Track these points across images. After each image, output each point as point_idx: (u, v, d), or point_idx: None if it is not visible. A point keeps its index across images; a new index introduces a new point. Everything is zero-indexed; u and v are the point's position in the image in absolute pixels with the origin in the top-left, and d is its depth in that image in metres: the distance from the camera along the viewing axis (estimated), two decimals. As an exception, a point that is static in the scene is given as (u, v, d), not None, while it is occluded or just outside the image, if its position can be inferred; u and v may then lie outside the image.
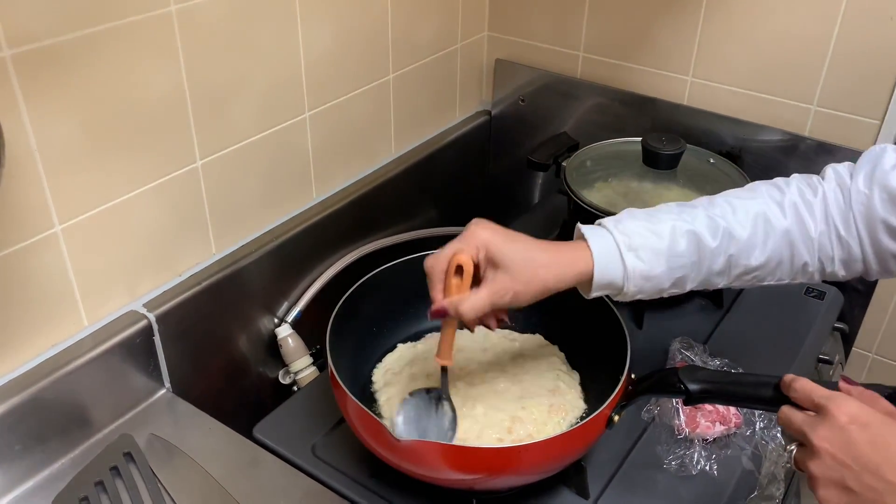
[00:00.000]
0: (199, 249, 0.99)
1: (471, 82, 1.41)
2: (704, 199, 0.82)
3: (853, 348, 1.27)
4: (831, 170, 0.82)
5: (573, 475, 0.86)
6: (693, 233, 0.77)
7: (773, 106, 1.18)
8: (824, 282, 1.18)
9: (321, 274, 1.15)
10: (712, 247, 0.78)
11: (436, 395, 0.85)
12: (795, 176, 0.83)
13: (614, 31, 1.27)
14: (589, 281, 0.77)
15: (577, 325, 0.96)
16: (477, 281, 0.77)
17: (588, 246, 0.76)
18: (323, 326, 0.86)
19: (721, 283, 0.81)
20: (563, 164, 1.16)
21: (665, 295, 0.80)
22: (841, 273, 0.82)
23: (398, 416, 0.83)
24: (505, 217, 1.39)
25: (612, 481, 0.88)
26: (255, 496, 0.82)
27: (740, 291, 1.18)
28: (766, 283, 0.83)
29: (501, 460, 0.76)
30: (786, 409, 0.67)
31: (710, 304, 1.15)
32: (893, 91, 1.08)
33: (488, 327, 0.83)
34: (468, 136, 1.41)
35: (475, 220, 0.79)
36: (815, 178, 0.83)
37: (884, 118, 1.10)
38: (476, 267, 0.76)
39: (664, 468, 0.89)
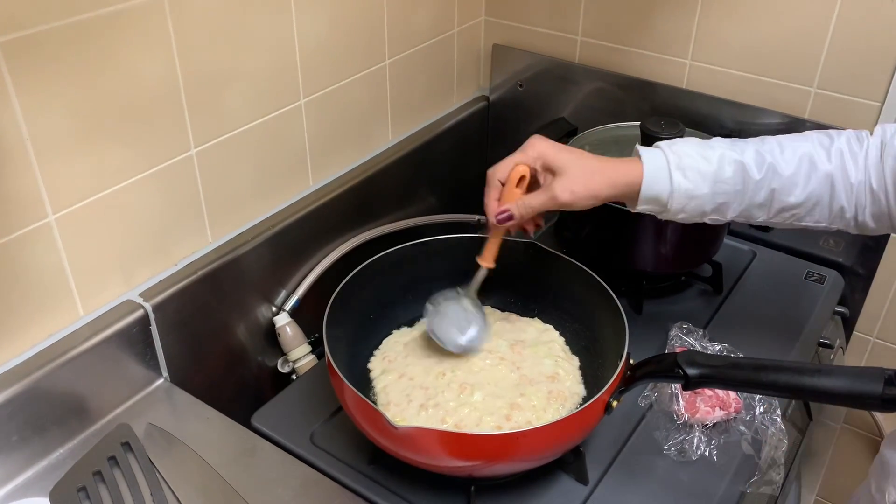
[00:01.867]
0: (195, 238, 0.98)
1: (468, 68, 1.40)
2: (757, 138, 0.86)
3: (854, 332, 1.26)
4: (879, 127, 0.85)
5: (572, 461, 0.86)
6: (740, 163, 0.82)
7: (773, 89, 1.17)
8: (829, 263, 1.18)
9: (319, 262, 1.14)
10: (756, 178, 0.82)
11: (459, 297, 0.92)
12: (849, 130, 0.87)
13: (612, 15, 1.26)
14: (637, 193, 0.82)
15: (576, 311, 0.96)
16: (530, 190, 0.86)
17: (641, 161, 0.82)
18: (321, 315, 0.86)
19: (761, 216, 0.85)
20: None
21: (707, 220, 0.85)
22: (871, 224, 0.84)
23: (428, 307, 0.91)
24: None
25: (612, 467, 0.87)
26: (254, 485, 0.82)
27: (740, 276, 1.17)
28: (804, 224, 0.86)
29: (500, 447, 0.76)
30: None
31: (709, 289, 1.14)
32: (894, 73, 1.07)
33: (527, 232, 0.91)
34: (466, 122, 1.40)
35: (533, 136, 0.87)
36: (865, 132, 0.86)
37: (884, 100, 1.09)
38: (532, 177, 0.86)
39: (664, 454, 0.89)
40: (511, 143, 1.43)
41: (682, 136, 1.09)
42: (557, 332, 0.97)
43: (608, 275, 0.92)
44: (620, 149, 1.15)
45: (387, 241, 1.22)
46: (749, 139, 0.86)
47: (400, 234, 1.26)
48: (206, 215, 0.98)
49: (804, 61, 1.13)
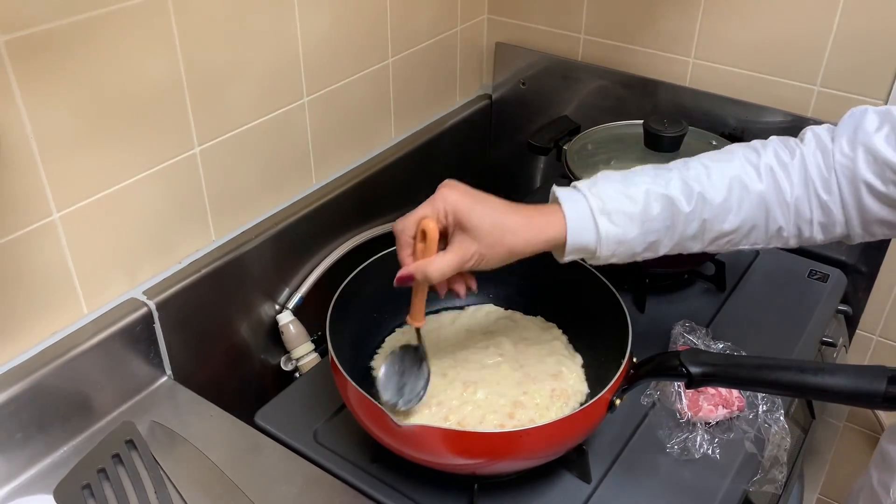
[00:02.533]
0: (198, 236, 0.99)
1: (471, 66, 1.40)
2: (680, 162, 0.81)
3: (857, 331, 1.26)
4: (811, 132, 0.81)
5: (575, 459, 0.86)
6: (667, 197, 0.77)
7: (776, 87, 1.17)
8: (832, 262, 1.18)
9: (322, 260, 1.14)
10: (686, 211, 0.77)
11: (420, 354, 0.86)
12: (773, 138, 0.82)
13: (615, 13, 1.26)
14: (562, 245, 0.76)
15: (579, 308, 0.96)
16: (445, 244, 0.77)
17: (562, 210, 0.75)
18: (324, 313, 0.86)
19: (695, 247, 0.80)
20: (565, 147, 1.15)
21: (639, 259, 0.80)
22: (819, 237, 0.81)
23: (381, 370, 0.85)
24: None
25: (614, 465, 0.87)
26: (257, 482, 0.82)
27: (743, 274, 1.17)
28: (740, 248, 0.82)
29: (502, 445, 0.76)
30: None
31: (712, 288, 1.14)
32: (898, 71, 1.07)
33: (458, 295, 0.82)
34: (469, 120, 1.40)
35: (445, 182, 0.79)
36: (792, 140, 0.82)
37: (888, 98, 1.09)
38: (444, 230, 0.77)
39: (666, 452, 0.89)
40: (514, 142, 1.45)
41: (685, 135, 1.09)
42: (560, 331, 0.97)
43: (611, 273, 0.92)
44: (623, 147, 1.15)
45: (389, 239, 1.21)
46: (672, 164, 0.81)
47: (403, 232, 1.26)
48: (209, 213, 0.99)
49: (807, 59, 1.13)
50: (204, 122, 0.93)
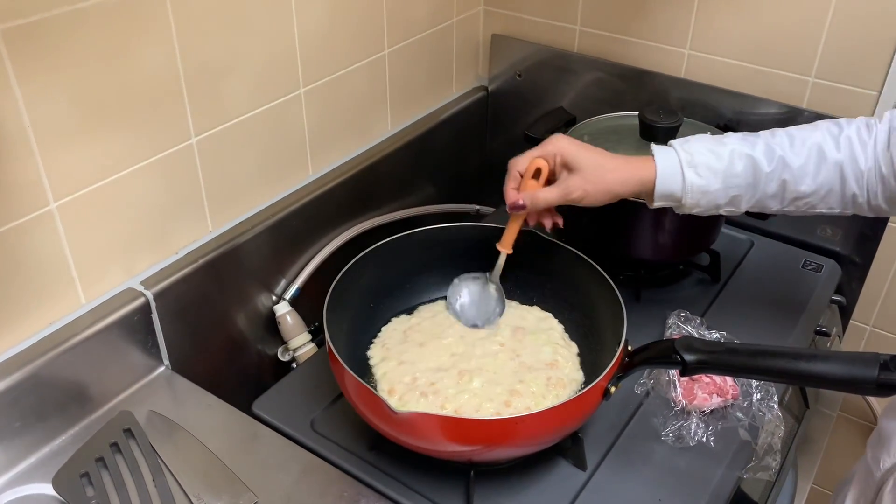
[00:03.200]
0: (195, 227, 0.99)
1: (467, 58, 1.40)
2: (769, 131, 0.89)
3: (851, 321, 1.27)
4: (889, 113, 0.87)
5: (571, 447, 0.87)
6: (750, 157, 0.85)
7: (771, 78, 1.17)
8: (826, 252, 1.18)
9: (319, 251, 1.14)
10: (766, 171, 0.85)
11: (484, 278, 0.97)
12: (860, 117, 0.89)
13: (611, 5, 1.26)
14: (651, 191, 0.86)
15: (575, 298, 0.96)
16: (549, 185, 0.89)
17: (654, 160, 0.86)
18: (321, 303, 0.87)
19: (775, 206, 0.88)
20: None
21: (722, 212, 0.89)
22: (885, 207, 0.87)
23: (451, 295, 0.97)
24: (503, 193, 1.39)
25: (610, 453, 0.88)
26: (255, 471, 0.82)
27: (738, 264, 1.18)
28: (818, 210, 0.89)
29: (498, 432, 0.76)
30: None
31: (707, 278, 1.15)
32: (891, 62, 1.08)
33: (545, 227, 0.93)
34: (465, 111, 1.40)
35: (555, 134, 0.90)
36: (874, 119, 0.88)
37: (882, 89, 1.10)
38: (551, 172, 0.89)
39: (661, 440, 0.89)
40: (510, 133, 1.45)
41: (680, 126, 1.10)
42: (556, 320, 0.98)
43: (607, 263, 0.93)
44: (619, 138, 1.15)
45: (386, 230, 1.22)
46: (761, 132, 0.89)
47: (399, 223, 1.26)
48: (206, 204, 0.99)
49: (802, 51, 1.13)
50: (201, 113, 0.93)
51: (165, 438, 0.86)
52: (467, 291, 0.98)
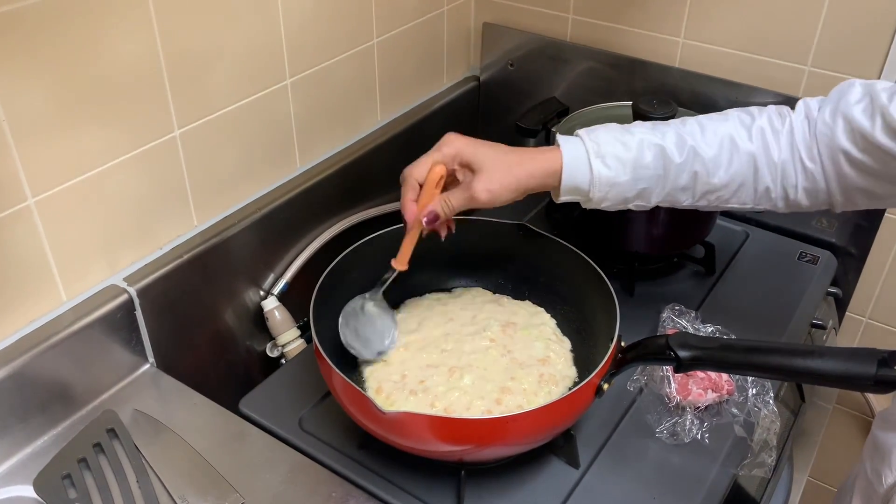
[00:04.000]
0: (180, 221, 0.97)
1: (458, 47, 1.38)
2: (678, 120, 0.85)
3: (847, 313, 1.26)
4: (802, 102, 0.85)
5: (563, 445, 0.86)
6: (660, 147, 0.81)
7: (767, 67, 1.16)
8: (822, 244, 1.17)
9: (307, 245, 1.13)
10: (677, 162, 0.81)
11: (362, 300, 0.90)
12: (770, 106, 0.86)
13: (604, -8, 1.24)
14: (558, 183, 0.81)
15: (567, 293, 0.95)
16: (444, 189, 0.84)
17: (560, 150, 0.81)
18: (310, 298, 0.85)
19: (685, 200, 0.84)
20: (553, 129, 1.13)
21: (631, 206, 0.84)
22: (804, 202, 0.83)
23: (341, 320, 0.88)
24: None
25: (603, 451, 0.87)
26: (242, 470, 0.81)
27: (732, 257, 1.16)
28: (729, 206, 0.85)
29: (489, 431, 0.75)
30: None
31: (702, 271, 1.14)
32: (888, 50, 1.06)
33: (438, 236, 0.87)
34: (456, 102, 1.38)
35: (448, 134, 0.85)
36: (786, 108, 0.85)
37: (879, 77, 1.08)
38: (450, 175, 0.84)
39: (655, 437, 0.88)
40: (502, 124, 1.43)
41: (674, 116, 1.08)
42: (549, 315, 0.96)
43: (600, 256, 0.91)
44: (612, 129, 1.13)
45: (376, 223, 1.21)
46: (671, 121, 0.85)
47: (389, 216, 1.24)
48: (191, 198, 0.97)
49: (798, 39, 1.12)
50: (184, 105, 0.91)
51: (150, 438, 0.84)
52: (353, 324, 0.89)
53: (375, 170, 1.22)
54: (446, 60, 1.36)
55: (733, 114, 0.85)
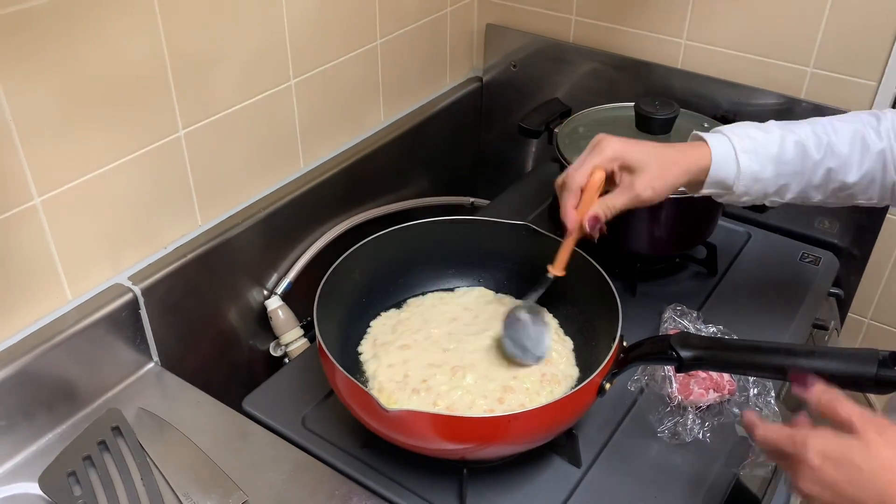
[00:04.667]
0: (184, 221, 0.97)
1: (461, 48, 1.38)
2: (808, 120, 0.87)
3: (849, 314, 1.26)
4: None
5: (565, 444, 0.86)
6: (800, 143, 0.84)
7: (769, 68, 1.16)
8: (824, 245, 1.17)
9: (311, 245, 1.13)
10: (816, 158, 0.84)
11: (530, 309, 0.89)
12: (891, 110, 0.88)
13: (607, -6, 1.25)
14: (704, 177, 0.84)
15: (569, 293, 0.95)
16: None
17: (707, 145, 0.83)
18: (313, 298, 0.85)
19: (817, 197, 0.87)
20: (556, 130, 1.14)
21: (766, 202, 0.87)
22: None
23: (504, 338, 0.88)
24: (498, 185, 1.38)
25: (605, 450, 0.87)
26: (245, 469, 0.81)
27: (735, 257, 1.16)
28: (858, 201, 0.88)
29: (491, 430, 0.75)
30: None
31: (704, 271, 1.14)
32: (891, 52, 1.06)
33: (593, 238, 0.86)
34: (459, 103, 1.38)
35: (600, 136, 0.85)
36: None
37: (881, 80, 1.08)
38: (610, 176, 0.84)
39: (657, 436, 0.88)
40: (505, 125, 1.44)
41: (676, 117, 1.08)
42: (551, 315, 0.96)
43: (602, 256, 0.92)
44: (614, 130, 1.12)
45: (379, 224, 1.21)
46: (799, 121, 0.87)
47: (392, 216, 1.25)
48: (195, 198, 0.97)
49: (800, 41, 1.12)
50: (188, 105, 0.91)
51: (154, 436, 0.84)
52: (511, 333, 0.88)
53: (379, 170, 1.22)
54: (449, 61, 1.37)
55: (860, 115, 0.88)
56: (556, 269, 0.87)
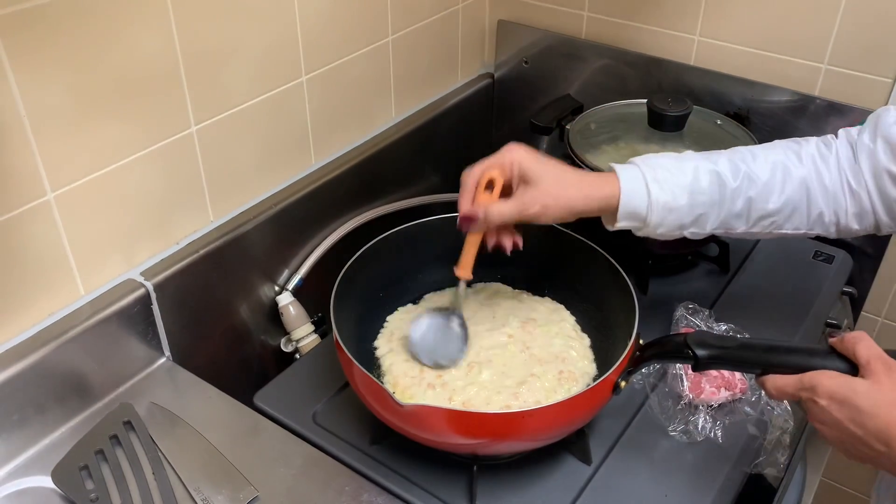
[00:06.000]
0: (196, 217, 0.97)
1: (472, 44, 1.38)
2: (728, 150, 0.86)
3: (862, 312, 1.25)
4: (843, 131, 0.88)
5: (576, 441, 0.86)
6: (715, 172, 0.82)
7: (783, 65, 1.15)
8: (837, 243, 1.17)
9: (322, 241, 1.13)
10: (732, 187, 0.82)
11: (448, 313, 0.89)
12: (813, 137, 0.88)
13: (619, -10, 1.24)
14: (614, 208, 0.81)
15: (587, 290, 0.95)
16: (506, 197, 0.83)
17: (616, 176, 0.81)
18: (324, 294, 0.85)
19: (740, 227, 0.85)
20: (567, 127, 1.13)
21: (686, 233, 0.84)
22: (854, 226, 0.85)
23: (413, 332, 0.87)
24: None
25: (615, 447, 0.87)
26: (256, 464, 0.82)
27: (747, 255, 1.16)
28: (783, 231, 0.86)
29: (505, 425, 0.75)
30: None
31: (716, 269, 1.13)
32: (906, 48, 1.05)
33: (503, 249, 0.85)
34: (470, 99, 1.38)
35: (510, 143, 0.84)
36: (830, 136, 0.88)
37: (896, 77, 1.07)
38: (507, 185, 0.82)
39: (668, 434, 0.88)
40: (516, 121, 1.43)
41: (689, 113, 1.08)
42: (568, 312, 0.96)
43: (614, 253, 0.91)
44: (626, 127, 1.13)
45: (389, 220, 1.21)
46: (720, 151, 0.86)
47: (403, 213, 1.25)
48: (207, 193, 0.97)
49: (815, 37, 1.11)
50: (200, 101, 0.91)
51: (166, 431, 0.85)
52: (427, 326, 0.88)
53: (390, 166, 1.22)
54: (461, 58, 1.36)
55: (780, 143, 0.87)
56: (462, 272, 0.86)
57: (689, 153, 0.86)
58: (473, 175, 0.83)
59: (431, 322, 0.88)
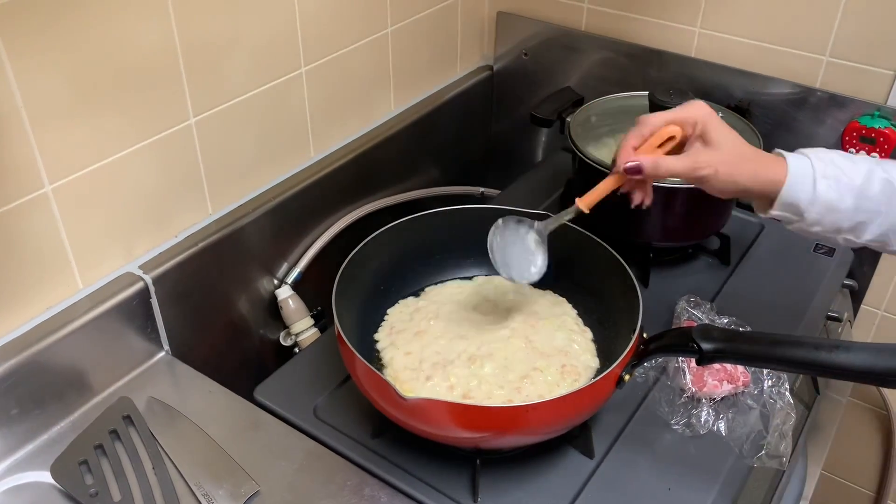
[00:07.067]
0: (195, 209, 0.97)
1: (472, 36, 1.37)
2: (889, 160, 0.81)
3: (862, 305, 1.25)
4: None
5: (578, 435, 0.85)
6: (888, 181, 0.76)
7: (784, 57, 1.15)
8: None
9: (321, 234, 1.13)
10: None
11: (529, 228, 0.86)
12: None
13: (620, -19, 1.23)
14: (774, 195, 0.77)
15: (589, 283, 0.94)
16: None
17: (785, 162, 0.76)
18: (323, 287, 0.85)
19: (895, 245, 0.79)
20: (568, 119, 1.13)
21: (839, 238, 0.79)
22: None
23: (494, 238, 0.84)
24: (508, 175, 1.37)
25: (618, 441, 0.87)
26: (256, 458, 0.81)
27: (748, 248, 1.16)
28: None
29: (509, 419, 0.75)
30: None
31: (717, 262, 1.13)
32: (909, 41, 1.05)
33: (631, 200, 0.82)
34: (470, 91, 1.37)
35: (695, 100, 0.80)
36: None
37: (899, 69, 1.07)
38: (684, 140, 0.79)
39: (671, 428, 0.88)
40: (516, 114, 1.43)
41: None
42: (570, 305, 0.96)
43: (615, 246, 0.91)
44: (627, 119, 1.12)
45: (389, 213, 1.20)
46: (893, 160, 0.80)
47: (402, 206, 1.24)
48: (206, 186, 0.97)
49: (816, 29, 1.11)
50: (199, 93, 0.90)
51: (165, 425, 0.84)
52: (505, 235, 0.85)
53: (389, 159, 1.21)
54: (460, 49, 1.35)
55: None
56: (583, 203, 0.82)
57: (862, 155, 0.82)
58: (653, 124, 0.78)
59: (510, 237, 0.85)
